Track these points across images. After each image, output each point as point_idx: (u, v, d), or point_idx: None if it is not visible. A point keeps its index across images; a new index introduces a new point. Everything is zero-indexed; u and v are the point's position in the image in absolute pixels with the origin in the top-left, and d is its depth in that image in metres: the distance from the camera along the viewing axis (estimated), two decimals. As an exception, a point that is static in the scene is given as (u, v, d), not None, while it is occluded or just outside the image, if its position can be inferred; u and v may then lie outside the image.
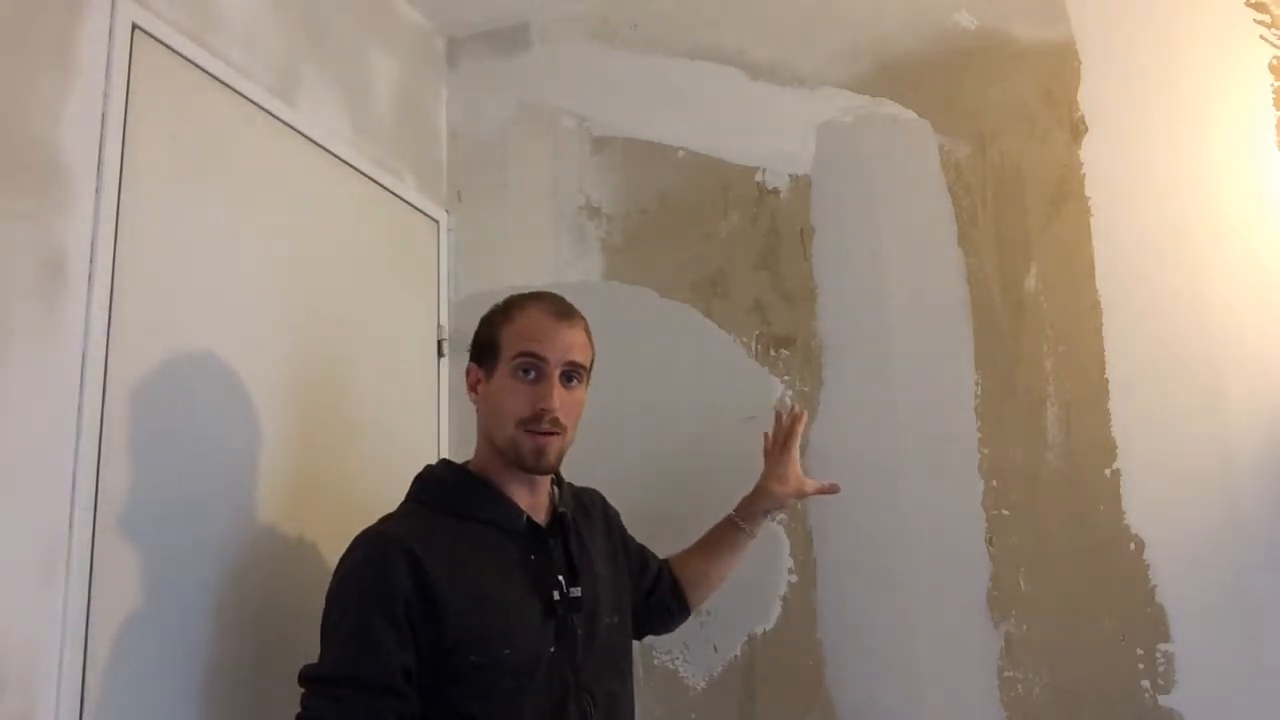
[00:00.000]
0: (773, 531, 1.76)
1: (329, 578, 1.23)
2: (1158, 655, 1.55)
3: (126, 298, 1.29)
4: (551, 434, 1.27)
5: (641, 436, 1.88)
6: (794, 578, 1.76)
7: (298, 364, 1.62)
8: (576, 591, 1.29)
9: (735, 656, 1.77)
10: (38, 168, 1.20)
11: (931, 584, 1.68)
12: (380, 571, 1.18)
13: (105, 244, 1.27)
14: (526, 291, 1.37)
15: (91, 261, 1.25)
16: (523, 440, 1.26)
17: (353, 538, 1.25)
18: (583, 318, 1.35)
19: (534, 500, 1.33)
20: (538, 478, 1.32)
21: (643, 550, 1.56)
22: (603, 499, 1.52)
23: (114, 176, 1.29)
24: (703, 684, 1.78)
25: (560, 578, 1.28)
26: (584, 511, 1.43)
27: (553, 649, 1.24)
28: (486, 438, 1.32)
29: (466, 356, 1.38)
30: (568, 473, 1.41)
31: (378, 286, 1.88)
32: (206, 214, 1.47)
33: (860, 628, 1.71)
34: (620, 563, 1.45)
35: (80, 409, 1.21)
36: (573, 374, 1.30)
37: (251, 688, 1.42)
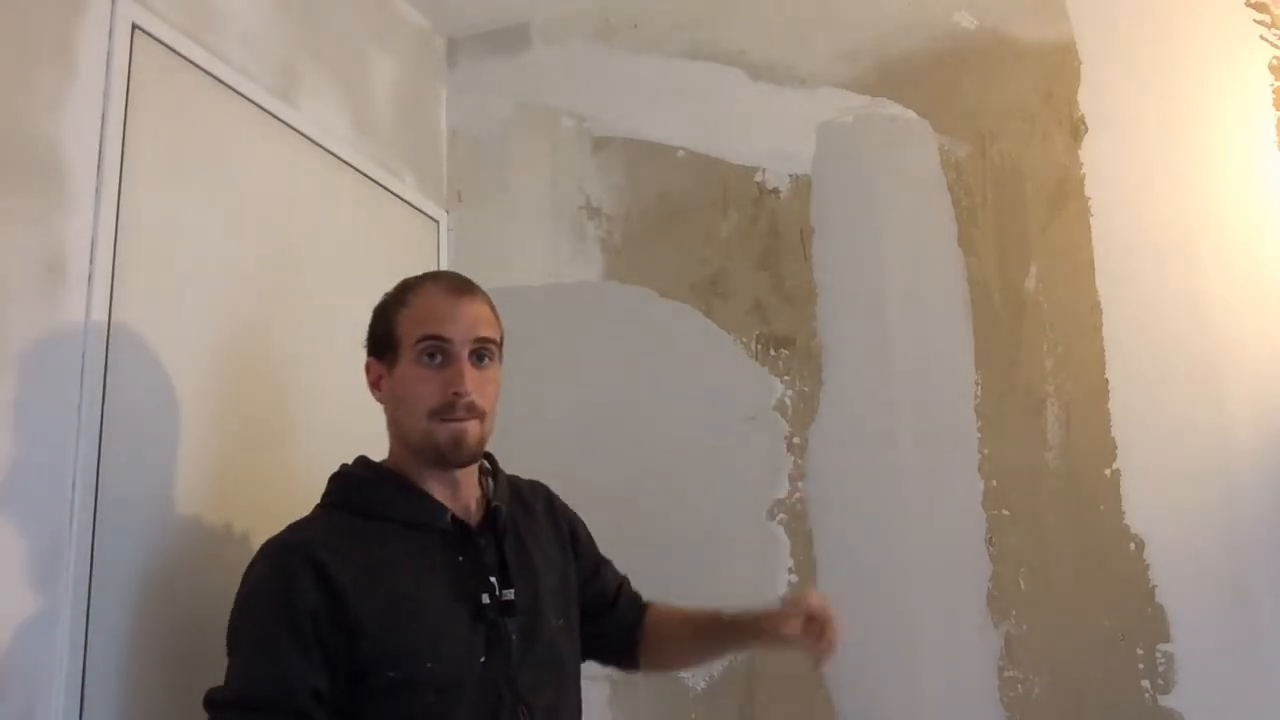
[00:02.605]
0: (773, 531, 1.76)
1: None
2: (1158, 655, 1.55)
3: (126, 298, 1.29)
4: (469, 419, 1.16)
5: (641, 437, 1.87)
6: (794, 578, 1.76)
7: (298, 364, 1.62)
8: (509, 594, 1.16)
9: (735, 657, 1.77)
10: (38, 168, 1.20)
11: (931, 584, 1.68)
12: (283, 585, 1.07)
13: (105, 244, 1.26)
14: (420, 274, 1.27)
15: (91, 261, 1.24)
16: (437, 431, 1.15)
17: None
18: (484, 293, 1.24)
19: (459, 497, 1.22)
20: (459, 472, 1.21)
21: (602, 565, 1.40)
22: (548, 492, 1.38)
23: (114, 176, 1.29)
24: (703, 684, 1.78)
25: (493, 579, 1.17)
26: (524, 506, 1.30)
27: (483, 658, 1.12)
28: (399, 438, 1.21)
29: None
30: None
31: (378, 286, 1.87)
32: (206, 214, 1.46)
33: (860, 628, 1.70)
34: (568, 561, 1.32)
35: (80, 409, 1.21)
36: (483, 352, 1.19)
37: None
